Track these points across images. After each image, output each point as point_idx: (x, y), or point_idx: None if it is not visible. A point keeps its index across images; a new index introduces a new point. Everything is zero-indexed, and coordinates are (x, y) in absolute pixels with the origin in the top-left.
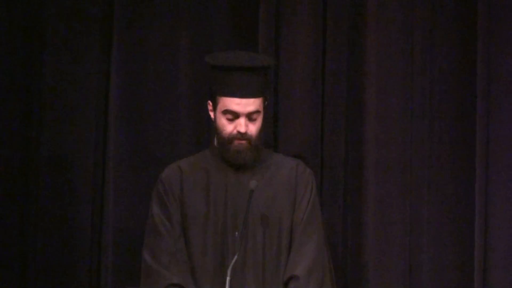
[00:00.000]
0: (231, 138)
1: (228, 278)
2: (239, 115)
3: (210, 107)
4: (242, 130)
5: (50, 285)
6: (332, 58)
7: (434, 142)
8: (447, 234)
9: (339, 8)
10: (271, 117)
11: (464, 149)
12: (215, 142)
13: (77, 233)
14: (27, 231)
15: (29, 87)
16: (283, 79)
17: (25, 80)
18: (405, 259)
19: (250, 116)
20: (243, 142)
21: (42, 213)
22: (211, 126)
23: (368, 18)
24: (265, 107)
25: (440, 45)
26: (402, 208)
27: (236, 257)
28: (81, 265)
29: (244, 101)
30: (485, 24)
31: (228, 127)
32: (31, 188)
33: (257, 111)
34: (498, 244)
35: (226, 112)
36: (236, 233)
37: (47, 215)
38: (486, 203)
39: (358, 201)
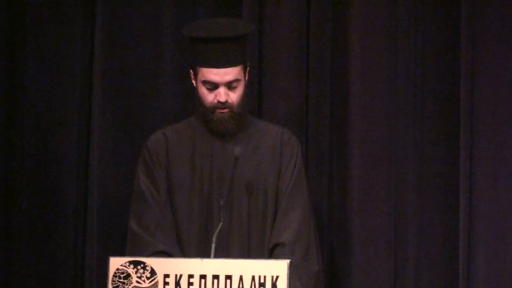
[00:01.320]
0: (213, 108)
1: (213, 245)
2: (219, 85)
3: (192, 76)
4: (222, 99)
5: (35, 253)
6: (317, 24)
7: (417, 114)
8: (432, 199)
9: None
10: (256, 88)
11: (449, 127)
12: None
13: (62, 201)
14: (11, 200)
15: (13, 55)
16: (267, 48)
17: (9, 47)
18: (391, 225)
19: (229, 85)
20: (225, 111)
21: (27, 181)
22: (196, 93)
23: None
24: (247, 74)
25: (424, 28)
26: (387, 175)
27: (221, 224)
28: (66, 233)
29: (222, 70)
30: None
31: (209, 97)
32: (16, 157)
33: (236, 80)
34: (483, 215)
35: (205, 82)
36: (221, 200)
37: (32, 183)
38: (470, 166)
39: (344, 169)
